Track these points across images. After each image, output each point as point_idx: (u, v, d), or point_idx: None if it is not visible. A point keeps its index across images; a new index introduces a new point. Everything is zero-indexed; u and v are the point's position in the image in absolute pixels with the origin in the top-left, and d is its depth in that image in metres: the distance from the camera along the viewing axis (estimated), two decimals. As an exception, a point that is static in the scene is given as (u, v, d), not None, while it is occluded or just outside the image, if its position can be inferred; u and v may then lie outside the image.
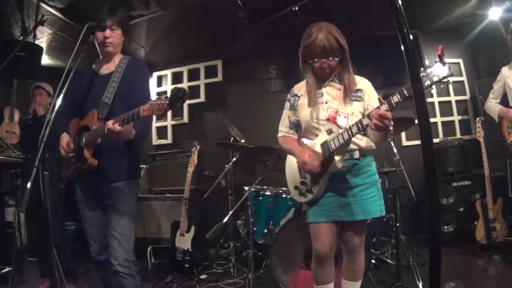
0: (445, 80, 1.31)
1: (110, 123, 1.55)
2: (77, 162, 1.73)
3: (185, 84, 4.87)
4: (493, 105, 3.13)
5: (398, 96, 1.43)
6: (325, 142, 1.67)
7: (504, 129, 3.05)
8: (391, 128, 1.52)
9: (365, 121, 1.53)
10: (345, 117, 1.70)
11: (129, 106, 1.56)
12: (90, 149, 1.72)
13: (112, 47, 1.85)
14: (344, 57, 1.71)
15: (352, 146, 1.72)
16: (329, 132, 1.68)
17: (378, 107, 1.47)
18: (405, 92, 1.39)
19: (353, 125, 1.58)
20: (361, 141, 1.74)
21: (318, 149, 1.70)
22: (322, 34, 1.64)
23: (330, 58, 1.67)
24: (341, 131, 1.63)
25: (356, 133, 1.58)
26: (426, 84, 1.34)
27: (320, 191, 1.74)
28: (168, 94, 1.41)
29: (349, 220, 1.70)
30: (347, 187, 1.71)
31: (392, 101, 1.45)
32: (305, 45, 1.71)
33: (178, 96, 1.38)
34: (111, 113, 1.71)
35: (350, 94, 1.72)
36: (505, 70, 3.06)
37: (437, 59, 1.32)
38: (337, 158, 1.65)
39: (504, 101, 3.10)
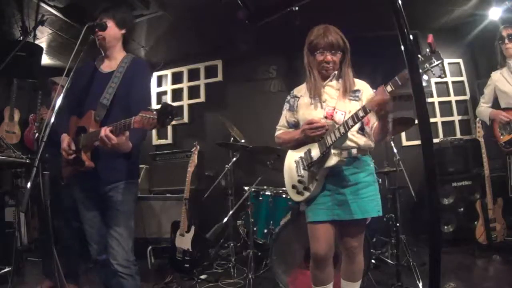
0: (437, 67, 1.32)
1: (103, 131, 1.52)
2: (74, 164, 1.73)
3: (185, 84, 4.88)
4: (483, 109, 3.19)
5: (391, 85, 1.47)
6: (322, 138, 1.70)
7: (496, 131, 3.08)
8: (390, 123, 1.59)
9: (361, 113, 1.57)
10: (342, 114, 1.73)
11: (127, 110, 1.56)
12: (88, 151, 1.71)
13: (104, 40, 1.82)
14: (346, 56, 1.78)
15: (350, 143, 1.73)
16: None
17: (383, 89, 1.51)
18: (398, 80, 1.45)
19: (349, 118, 1.61)
20: (359, 139, 1.76)
21: (315, 146, 1.73)
22: (329, 31, 1.74)
23: (333, 51, 1.74)
24: (337, 126, 1.66)
25: (352, 126, 1.61)
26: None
27: (317, 188, 1.75)
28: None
29: (348, 219, 1.71)
30: (344, 185, 1.73)
31: (386, 91, 1.50)
32: (311, 39, 1.78)
33: (166, 112, 1.36)
34: (108, 116, 1.70)
35: (349, 91, 1.76)
36: (494, 75, 3.11)
37: (428, 48, 1.34)
38: (335, 153, 1.67)
39: (495, 106, 3.14)
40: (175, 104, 4.88)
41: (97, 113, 1.73)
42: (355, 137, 1.75)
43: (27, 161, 2.80)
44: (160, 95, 5.03)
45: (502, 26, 3.04)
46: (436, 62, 1.31)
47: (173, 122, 4.84)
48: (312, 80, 1.81)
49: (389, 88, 1.48)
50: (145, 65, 1.94)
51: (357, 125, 1.72)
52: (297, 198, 1.86)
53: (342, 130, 1.63)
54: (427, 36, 1.36)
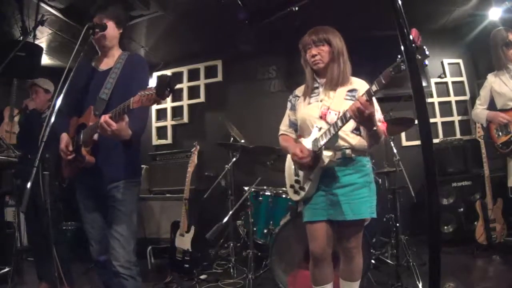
0: (424, 63, 1.30)
1: (103, 118, 1.51)
2: (75, 161, 1.71)
3: (185, 84, 4.87)
4: (480, 111, 3.17)
5: (376, 85, 1.45)
6: (315, 139, 1.72)
7: (492, 132, 3.07)
8: (376, 124, 1.57)
9: (348, 114, 1.57)
10: (335, 114, 1.73)
11: None
12: (88, 146, 1.70)
13: (105, 39, 1.81)
14: (333, 50, 1.79)
15: (343, 143, 1.74)
16: (319, 129, 1.73)
17: (358, 100, 1.50)
18: (382, 79, 1.42)
19: (338, 119, 1.63)
20: (354, 139, 1.76)
21: (310, 146, 1.75)
22: (317, 29, 1.81)
23: (317, 44, 1.78)
24: (328, 126, 1.67)
25: (341, 127, 1.62)
26: (402, 68, 1.33)
27: (312, 188, 1.76)
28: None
29: (340, 220, 1.71)
30: (337, 186, 1.73)
31: (371, 91, 1.48)
32: (300, 41, 1.85)
33: (164, 84, 1.33)
34: (108, 109, 1.67)
35: (334, 84, 1.78)
36: (490, 77, 3.10)
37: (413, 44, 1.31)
38: (327, 154, 1.68)
39: (491, 108, 3.14)
40: (175, 104, 4.90)
41: (96, 108, 1.71)
42: (348, 137, 1.75)
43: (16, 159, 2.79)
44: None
45: (503, 28, 2.99)
46: (421, 58, 1.29)
47: (173, 122, 4.86)
48: (307, 77, 1.86)
49: (374, 88, 1.45)
50: (142, 59, 1.93)
51: (352, 125, 1.74)
52: (294, 197, 1.89)
53: (332, 131, 1.64)
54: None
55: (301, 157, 1.71)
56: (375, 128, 1.60)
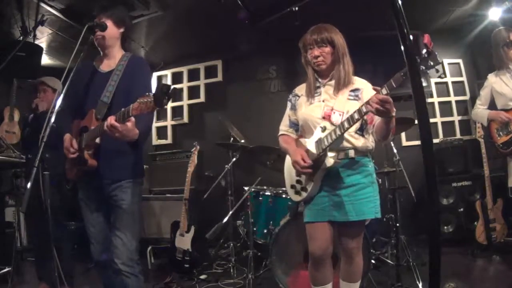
0: (435, 68, 1.30)
1: (109, 120, 1.52)
2: (78, 164, 1.72)
3: (185, 84, 4.88)
4: (480, 111, 3.17)
5: (387, 88, 1.45)
6: (319, 139, 1.71)
7: (493, 132, 3.07)
8: (393, 114, 1.52)
9: (356, 115, 1.56)
10: (340, 114, 1.71)
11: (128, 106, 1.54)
12: (90, 149, 1.70)
13: (104, 39, 1.81)
14: (337, 52, 1.77)
15: (347, 144, 1.72)
16: (323, 129, 1.71)
17: (377, 93, 1.48)
18: (393, 83, 1.42)
19: (345, 120, 1.61)
20: (357, 140, 1.75)
21: (313, 147, 1.73)
22: (318, 29, 1.78)
23: (319, 45, 1.76)
24: (334, 127, 1.66)
25: (348, 128, 1.60)
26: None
27: (314, 189, 1.75)
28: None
29: (343, 221, 1.70)
30: (341, 187, 1.72)
31: (381, 92, 1.47)
32: (302, 39, 1.82)
33: (163, 93, 1.34)
34: (110, 113, 1.67)
35: (342, 86, 1.75)
36: (491, 77, 3.09)
37: (424, 49, 1.31)
38: (330, 155, 1.66)
39: (491, 108, 3.13)
40: (175, 104, 4.90)
41: (98, 111, 1.71)
42: (352, 138, 1.74)
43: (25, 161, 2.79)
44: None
45: (503, 28, 2.99)
46: (432, 64, 1.28)
47: (173, 122, 4.86)
48: (309, 77, 1.83)
49: (384, 91, 1.45)
50: (144, 61, 1.93)
51: (356, 126, 1.72)
52: (295, 198, 1.87)
53: (338, 132, 1.62)
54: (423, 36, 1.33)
55: (303, 166, 1.70)
56: (393, 114, 1.54)
